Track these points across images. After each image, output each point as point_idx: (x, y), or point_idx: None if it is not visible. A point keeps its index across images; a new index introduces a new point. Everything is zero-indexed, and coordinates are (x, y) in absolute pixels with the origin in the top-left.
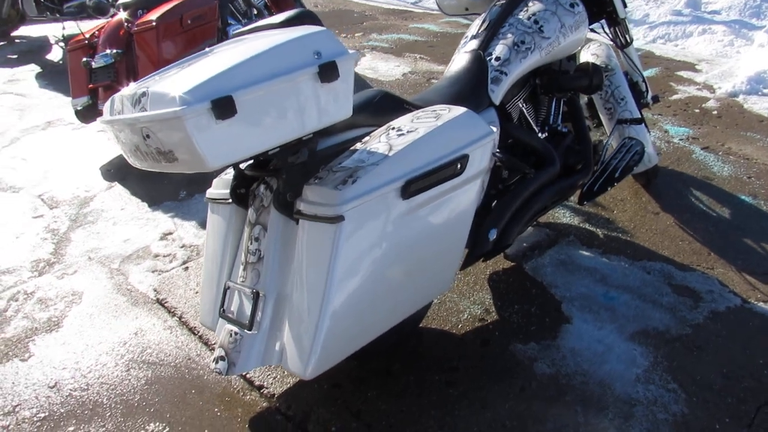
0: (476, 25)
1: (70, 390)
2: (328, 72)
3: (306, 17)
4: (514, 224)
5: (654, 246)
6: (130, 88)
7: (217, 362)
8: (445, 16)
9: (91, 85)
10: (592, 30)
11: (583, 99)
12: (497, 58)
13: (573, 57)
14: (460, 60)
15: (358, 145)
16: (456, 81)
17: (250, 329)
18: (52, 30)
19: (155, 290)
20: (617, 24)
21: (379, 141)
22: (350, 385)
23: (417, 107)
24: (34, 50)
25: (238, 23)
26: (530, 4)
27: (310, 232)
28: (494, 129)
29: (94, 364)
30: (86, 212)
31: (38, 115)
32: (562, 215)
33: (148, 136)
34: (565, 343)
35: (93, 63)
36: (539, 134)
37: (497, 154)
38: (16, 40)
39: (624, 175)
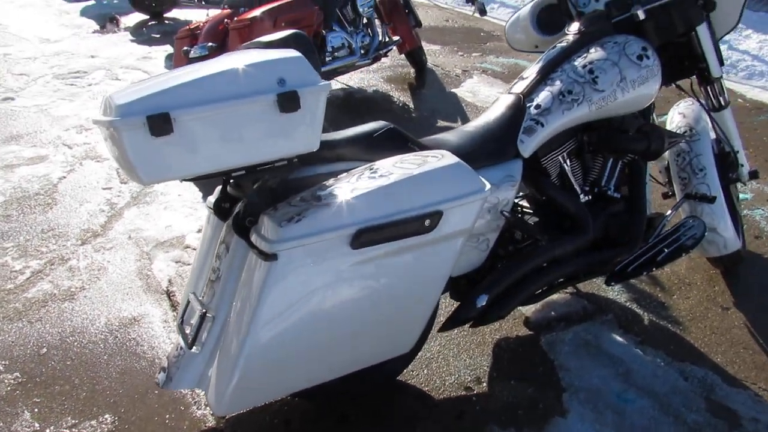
0: (532, 66)
1: (53, 361)
2: (287, 101)
3: (294, 40)
4: (514, 294)
5: (706, 348)
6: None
7: (158, 372)
8: None
9: None
10: (678, 87)
11: (663, 162)
12: (537, 106)
13: (649, 114)
14: (499, 102)
15: (330, 181)
16: (485, 125)
17: (189, 348)
18: (199, 15)
19: (169, 281)
20: (710, 83)
21: (349, 180)
22: (300, 423)
23: (423, 148)
24: (175, 32)
25: (342, 30)
26: (592, 50)
27: (250, 264)
28: (488, 186)
29: (85, 342)
30: (147, 192)
31: None
32: (609, 287)
33: (105, 139)
34: None
35: (191, 53)
36: (581, 196)
37: (506, 213)
38: (166, 21)
39: (669, 260)
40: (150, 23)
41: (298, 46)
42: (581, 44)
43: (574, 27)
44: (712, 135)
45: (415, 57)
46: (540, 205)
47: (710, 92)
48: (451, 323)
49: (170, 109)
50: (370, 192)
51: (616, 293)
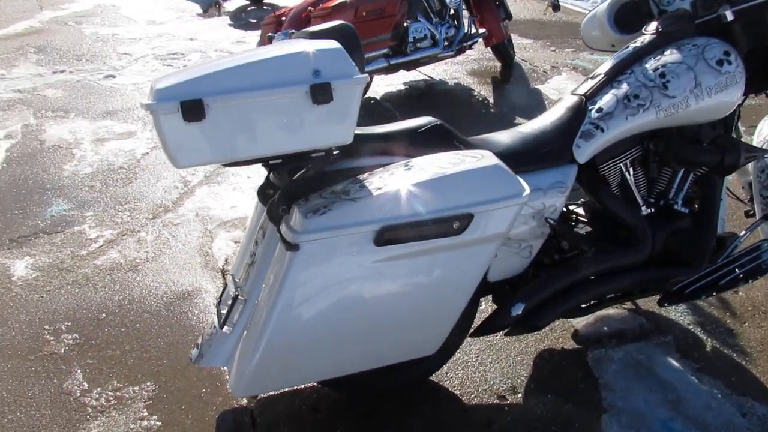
0: (602, 66)
1: (110, 327)
2: (320, 93)
3: (339, 32)
4: (554, 306)
5: None
6: None
7: (193, 347)
8: None
9: None
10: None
11: (747, 178)
12: (599, 110)
13: (731, 124)
14: (560, 103)
15: (365, 175)
16: (542, 126)
17: (221, 328)
18: (295, 2)
19: (225, 260)
20: None
21: (381, 176)
22: (327, 414)
23: (469, 147)
24: None
25: (427, 21)
26: (667, 52)
27: (278, 252)
28: (526, 191)
29: (140, 311)
30: (219, 172)
31: None
32: (674, 306)
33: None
34: None
35: (274, 39)
36: (643, 208)
37: (550, 220)
38: (264, 6)
39: (731, 286)
40: (249, 8)
41: (343, 39)
42: (656, 45)
43: (652, 26)
44: None
45: (501, 50)
46: (597, 214)
47: None
48: (484, 329)
49: (204, 95)
50: (399, 189)
51: (679, 314)
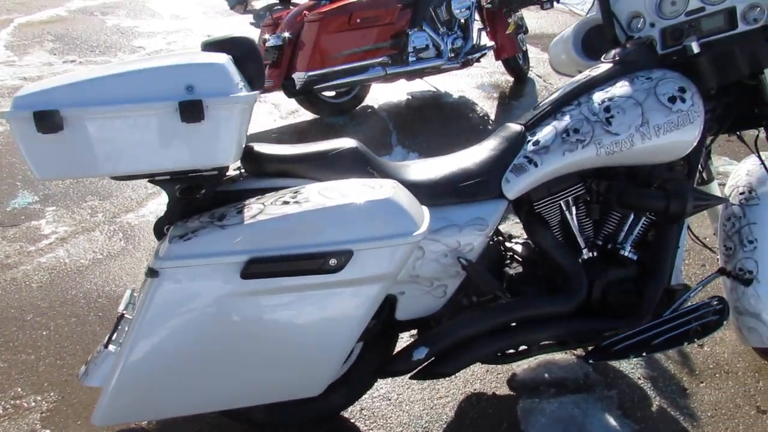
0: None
1: (32, 329)
2: (190, 111)
3: (233, 44)
4: (462, 353)
5: None
6: None
7: (84, 363)
8: None
9: None
10: (740, 139)
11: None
12: (536, 142)
13: (694, 166)
14: (499, 132)
15: (252, 200)
16: (476, 155)
17: (105, 346)
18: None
19: None
20: None
21: (263, 203)
22: None
23: (383, 174)
24: None
25: (433, 31)
26: (619, 84)
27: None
28: (420, 230)
29: (68, 315)
30: None
31: None
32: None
33: None
34: None
35: (268, 41)
36: (584, 251)
37: (463, 260)
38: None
39: (666, 346)
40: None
41: (239, 51)
42: (610, 76)
43: (611, 54)
44: None
45: (513, 65)
46: (534, 254)
47: None
48: (384, 372)
49: (61, 106)
50: (274, 219)
51: (631, 366)
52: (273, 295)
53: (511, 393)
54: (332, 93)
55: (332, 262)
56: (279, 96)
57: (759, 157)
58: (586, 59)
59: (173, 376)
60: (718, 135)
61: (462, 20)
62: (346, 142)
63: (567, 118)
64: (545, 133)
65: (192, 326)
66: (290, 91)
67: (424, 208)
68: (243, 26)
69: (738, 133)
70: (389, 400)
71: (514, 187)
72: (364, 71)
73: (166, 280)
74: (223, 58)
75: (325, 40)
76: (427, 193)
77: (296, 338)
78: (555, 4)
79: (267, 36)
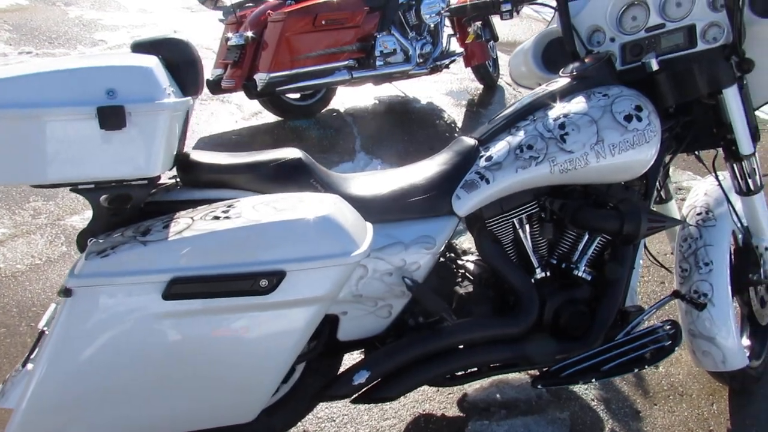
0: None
1: None
2: (110, 117)
3: (165, 46)
4: (406, 377)
5: None
6: None
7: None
8: None
9: (221, 61)
10: (699, 159)
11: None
12: (489, 158)
13: (652, 186)
14: (454, 144)
15: (182, 213)
16: (428, 170)
17: (23, 365)
18: None
19: None
20: (738, 160)
21: (192, 217)
22: None
23: (327, 187)
24: None
25: (402, 36)
26: (575, 99)
27: None
28: (359, 250)
29: None
30: None
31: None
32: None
33: None
34: None
35: (230, 40)
36: (538, 271)
37: (407, 279)
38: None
39: (616, 372)
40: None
41: (171, 54)
42: (567, 91)
43: (570, 68)
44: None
45: (483, 72)
46: (486, 273)
47: (737, 171)
48: (323, 396)
49: None
50: (200, 236)
51: (585, 388)
52: (199, 317)
53: (461, 414)
54: (297, 95)
55: (263, 283)
56: (243, 96)
57: (716, 177)
58: (545, 72)
59: (89, 401)
60: (677, 154)
61: (431, 25)
62: (290, 153)
63: (521, 134)
64: (498, 148)
65: (110, 349)
66: (251, 92)
67: (369, 225)
68: (212, 23)
69: (696, 152)
70: (334, 421)
71: (465, 204)
72: (330, 74)
73: (80, 299)
74: (151, 61)
75: (288, 40)
76: (373, 208)
77: (225, 363)
78: (515, 14)
79: (230, 34)
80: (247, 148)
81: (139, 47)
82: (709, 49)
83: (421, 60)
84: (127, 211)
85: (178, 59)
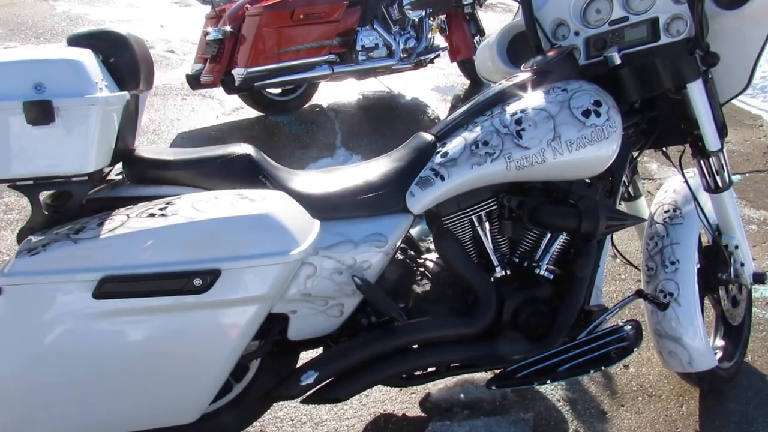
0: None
1: None
2: (36, 112)
3: (101, 39)
4: (356, 377)
5: None
6: None
7: None
8: None
9: (200, 55)
10: (666, 155)
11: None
12: (444, 154)
13: (617, 183)
14: (412, 140)
15: (119, 210)
16: (383, 166)
17: None
18: None
19: None
20: (706, 156)
21: (127, 215)
22: None
23: (276, 183)
24: None
25: (384, 30)
26: (534, 94)
27: None
28: (298, 249)
29: None
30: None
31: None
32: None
33: None
34: None
35: (209, 35)
36: (497, 269)
37: (356, 278)
38: None
39: (570, 374)
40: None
41: (109, 47)
42: (526, 86)
43: (531, 62)
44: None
45: (468, 67)
46: (444, 272)
47: (704, 168)
48: (271, 397)
49: None
50: (133, 234)
51: (552, 387)
52: (132, 316)
53: (423, 414)
54: (278, 90)
55: (197, 282)
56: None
57: (683, 174)
58: (510, 66)
59: (25, 400)
60: (644, 150)
61: (415, 20)
62: (240, 148)
63: (478, 130)
64: (454, 144)
65: (42, 348)
66: (229, 87)
67: (316, 223)
68: (200, 18)
69: (663, 149)
70: (292, 420)
71: (419, 201)
72: (310, 69)
73: (9, 298)
74: (82, 55)
75: (266, 35)
76: (323, 206)
77: (161, 363)
78: (477, 8)
79: (209, 29)
80: (226, 143)
81: (75, 40)
82: (673, 42)
83: (405, 55)
84: (67, 209)
85: (114, 52)
